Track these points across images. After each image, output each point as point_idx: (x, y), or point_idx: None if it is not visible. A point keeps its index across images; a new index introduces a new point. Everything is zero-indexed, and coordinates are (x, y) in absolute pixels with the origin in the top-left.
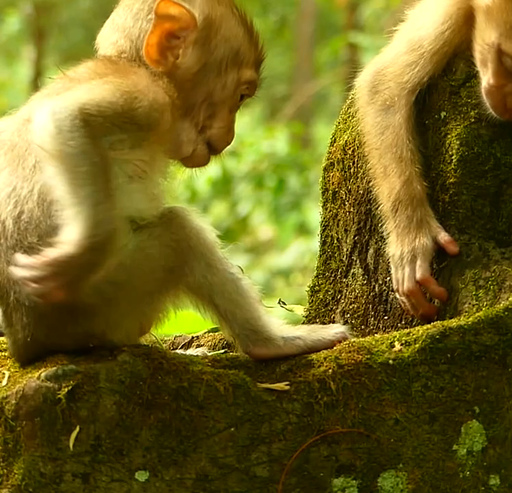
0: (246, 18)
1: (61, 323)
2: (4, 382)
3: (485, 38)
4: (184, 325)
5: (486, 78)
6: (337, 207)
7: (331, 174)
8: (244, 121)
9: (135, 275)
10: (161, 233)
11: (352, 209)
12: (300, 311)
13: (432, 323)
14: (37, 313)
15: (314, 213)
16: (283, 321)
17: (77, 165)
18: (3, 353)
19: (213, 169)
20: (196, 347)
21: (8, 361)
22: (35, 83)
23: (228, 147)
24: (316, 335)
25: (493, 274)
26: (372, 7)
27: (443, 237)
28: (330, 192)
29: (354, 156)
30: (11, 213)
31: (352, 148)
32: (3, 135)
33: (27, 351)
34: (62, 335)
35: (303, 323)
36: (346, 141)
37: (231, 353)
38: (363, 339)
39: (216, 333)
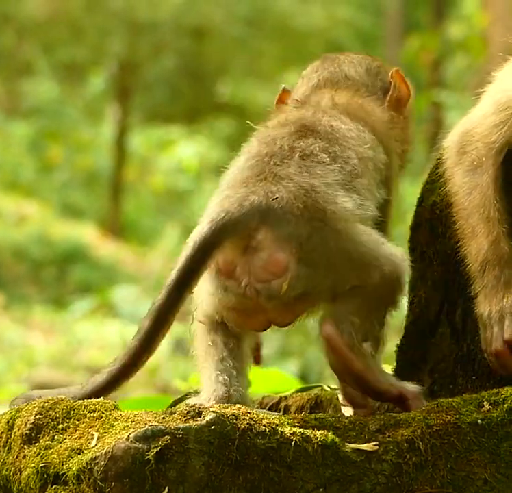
0: None
1: None
2: (93, 443)
3: None
4: (271, 385)
5: None
6: (424, 266)
7: (419, 234)
8: None
9: None
10: None
11: (440, 269)
12: (386, 370)
13: None
14: None
15: None
16: None
17: None
18: (92, 414)
19: None
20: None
21: (97, 422)
22: (120, 142)
23: None
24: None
25: None
26: (455, 66)
27: None
28: (418, 251)
29: (442, 216)
30: None
31: (440, 208)
32: None
33: None
34: None
35: None
36: (433, 201)
37: (319, 413)
38: (452, 399)
39: (304, 393)
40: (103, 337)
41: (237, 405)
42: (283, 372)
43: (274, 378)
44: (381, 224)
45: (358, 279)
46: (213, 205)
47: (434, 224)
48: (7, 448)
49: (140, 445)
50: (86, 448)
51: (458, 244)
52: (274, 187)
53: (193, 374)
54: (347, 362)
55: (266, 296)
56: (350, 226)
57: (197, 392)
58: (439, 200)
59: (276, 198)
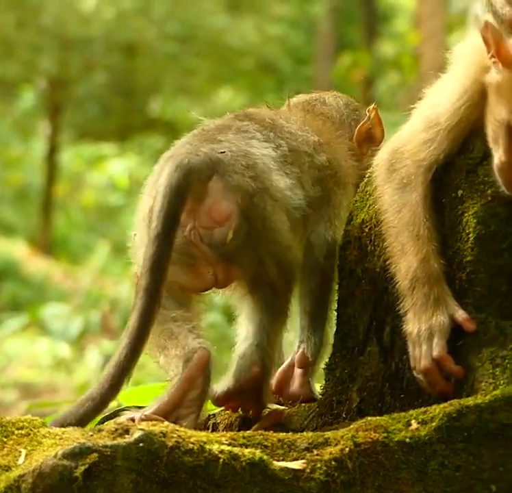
0: None
1: None
2: (21, 460)
3: (496, 114)
4: None
5: (497, 155)
6: (353, 285)
7: (348, 252)
8: None
9: None
10: None
11: (368, 287)
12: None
13: (448, 401)
14: None
15: None
16: None
17: None
18: (20, 431)
19: None
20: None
21: (25, 439)
22: (51, 159)
23: None
24: None
25: (509, 353)
26: (387, 83)
27: (461, 315)
28: (347, 269)
29: (372, 234)
30: None
31: (369, 226)
32: None
33: None
34: None
35: (319, 401)
36: (363, 219)
37: (247, 431)
38: (380, 417)
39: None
40: (33, 355)
41: (166, 423)
42: None
43: None
44: (320, 224)
45: (276, 257)
46: (163, 163)
47: (363, 243)
48: None
49: (68, 462)
50: (14, 465)
51: (388, 262)
52: (217, 145)
53: (122, 391)
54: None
55: (208, 242)
56: (283, 201)
57: (127, 409)
58: (369, 219)
59: (223, 152)
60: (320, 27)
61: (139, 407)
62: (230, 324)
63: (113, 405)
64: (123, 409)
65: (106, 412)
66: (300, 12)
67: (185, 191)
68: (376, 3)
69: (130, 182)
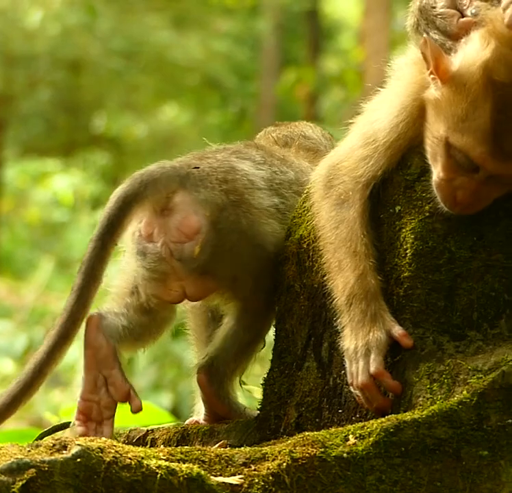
0: None
1: None
2: None
3: (434, 131)
4: (139, 418)
5: (436, 171)
6: (291, 300)
7: (286, 268)
8: None
9: None
10: None
11: (306, 303)
12: (258, 393)
13: (386, 417)
14: None
15: None
16: None
17: None
18: None
19: None
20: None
21: None
22: None
23: None
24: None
25: (447, 368)
26: (331, 99)
27: (397, 330)
28: (285, 285)
29: (310, 250)
30: None
31: (307, 242)
32: None
33: None
34: None
35: (258, 416)
36: (301, 235)
37: (185, 447)
38: (318, 432)
39: (171, 426)
40: None
41: (103, 438)
42: (154, 406)
43: (145, 411)
44: None
45: (254, 272)
46: None
47: (301, 258)
48: None
49: (5, 478)
50: None
51: (325, 278)
52: (198, 161)
53: (64, 407)
54: (213, 406)
55: (178, 257)
56: (263, 220)
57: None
58: (307, 234)
59: (197, 167)
60: (264, 43)
61: None
62: (174, 339)
63: (55, 420)
64: (64, 425)
65: (45, 427)
66: (244, 28)
67: (132, 201)
68: (320, 19)
69: (74, 198)
